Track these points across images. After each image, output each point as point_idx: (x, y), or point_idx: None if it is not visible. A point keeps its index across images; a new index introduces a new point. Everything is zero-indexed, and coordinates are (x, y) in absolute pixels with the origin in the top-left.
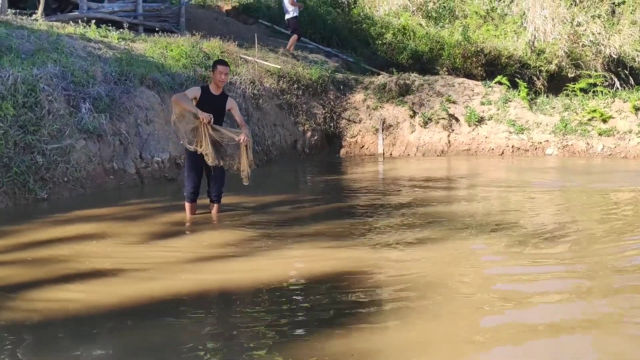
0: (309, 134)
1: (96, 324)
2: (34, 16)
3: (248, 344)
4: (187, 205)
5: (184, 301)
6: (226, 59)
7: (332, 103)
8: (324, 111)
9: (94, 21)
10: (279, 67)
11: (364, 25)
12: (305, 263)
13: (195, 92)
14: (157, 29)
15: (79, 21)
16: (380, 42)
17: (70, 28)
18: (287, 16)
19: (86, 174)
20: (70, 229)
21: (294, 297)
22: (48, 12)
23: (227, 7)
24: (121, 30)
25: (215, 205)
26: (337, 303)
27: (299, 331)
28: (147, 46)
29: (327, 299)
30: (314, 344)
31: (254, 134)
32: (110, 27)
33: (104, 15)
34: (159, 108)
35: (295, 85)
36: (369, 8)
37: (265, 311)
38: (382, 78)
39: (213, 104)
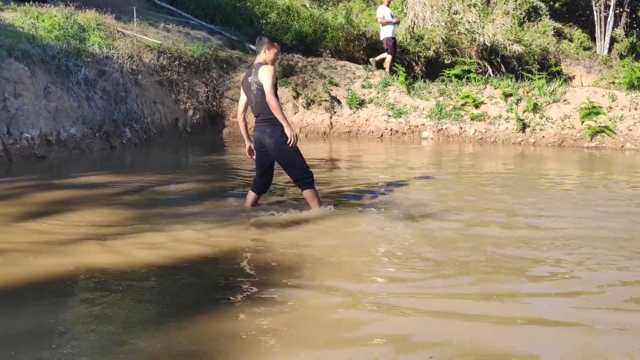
0: (190, 112)
1: None
2: None
3: (115, 329)
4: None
5: (53, 284)
6: (102, 33)
7: (215, 82)
8: (206, 90)
9: None
10: (159, 42)
11: (248, 4)
12: (180, 244)
13: (274, 74)
14: None
15: None
16: (264, 21)
17: None
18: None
19: None
20: None
21: (165, 280)
22: None
23: None
24: None
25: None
26: (208, 286)
27: (168, 316)
28: (16, 15)
29: (198, 281)
30: (183, 327)
31: (132, 110)
32: None
33: None
34: (28, 81)
35: (177, 62)
36: None
37: (132, 296)
38: None
39: None
